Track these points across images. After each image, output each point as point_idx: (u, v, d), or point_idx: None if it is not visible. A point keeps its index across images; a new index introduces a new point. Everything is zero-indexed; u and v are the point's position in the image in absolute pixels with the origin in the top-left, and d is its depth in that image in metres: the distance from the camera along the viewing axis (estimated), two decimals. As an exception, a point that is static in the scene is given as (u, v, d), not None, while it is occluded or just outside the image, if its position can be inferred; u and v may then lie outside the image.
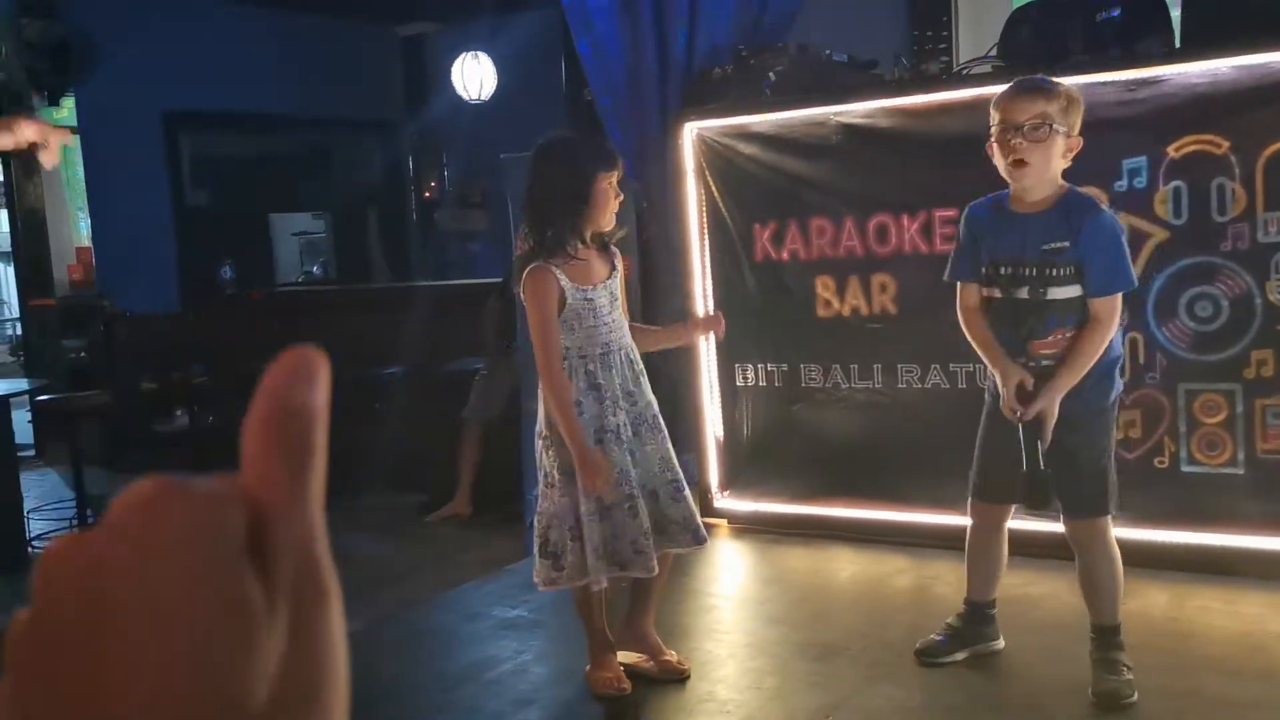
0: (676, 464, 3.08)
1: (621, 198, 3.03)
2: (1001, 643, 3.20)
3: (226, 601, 0.34)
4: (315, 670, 0.36)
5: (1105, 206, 2.87)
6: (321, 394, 0.37)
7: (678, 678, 3.13)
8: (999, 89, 3.93)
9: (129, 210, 8.02)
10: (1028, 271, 2.78)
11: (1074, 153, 2.78)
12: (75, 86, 8.02)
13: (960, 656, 3.14)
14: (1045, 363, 2.80)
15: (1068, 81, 3.78)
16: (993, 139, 2.80)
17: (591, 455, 2.90)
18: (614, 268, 3.05)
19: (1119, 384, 2.88)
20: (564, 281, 2.92)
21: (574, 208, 2.92)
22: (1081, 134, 3.63)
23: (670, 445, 3.08)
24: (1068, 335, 2.77)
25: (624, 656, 3.15)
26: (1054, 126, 2.71)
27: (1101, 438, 2.84)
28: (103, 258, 8.13)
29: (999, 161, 2.80)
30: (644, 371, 3.09)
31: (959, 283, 2.96)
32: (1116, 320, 2.76)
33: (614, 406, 2.96)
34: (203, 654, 0.34)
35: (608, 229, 3.03)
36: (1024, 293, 2.79)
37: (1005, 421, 2.84)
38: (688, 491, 3.08)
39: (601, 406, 2.95)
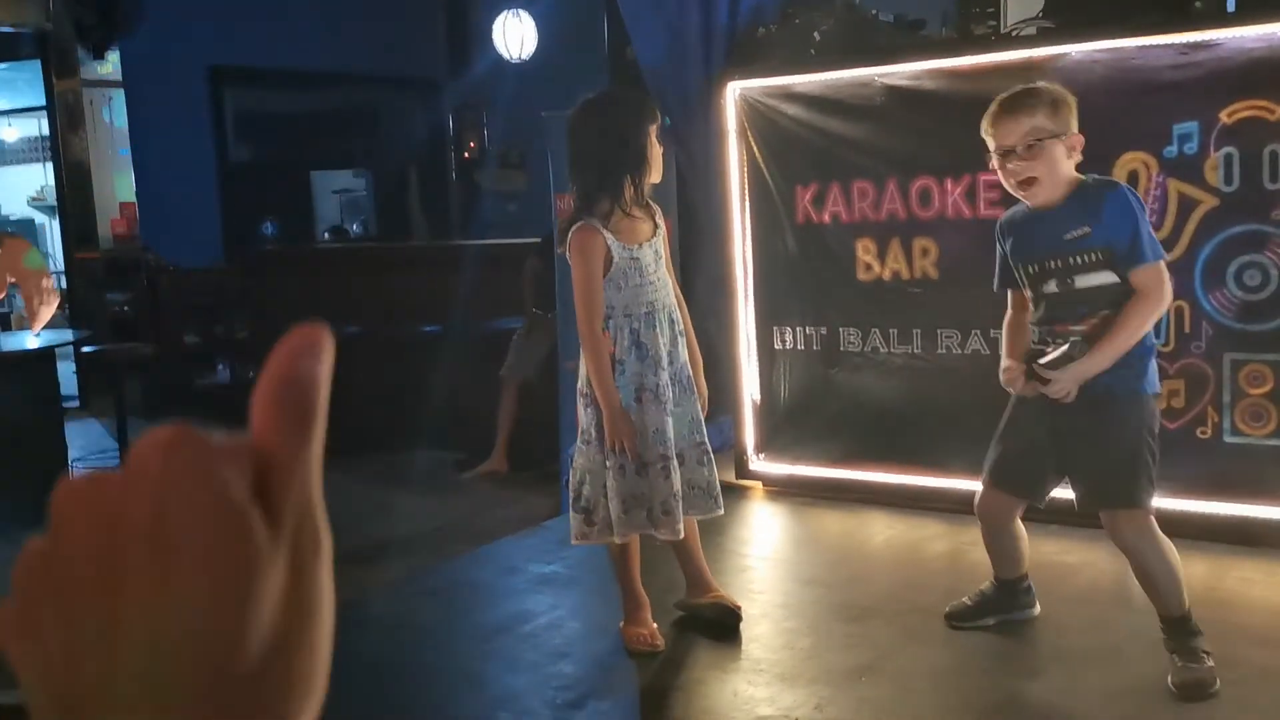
0: (704, 428, 3.08)
1: (661, 149, 3.03)
2: (1037, 609, 3.16)
3: (235, 537, 0.36)
4: (309, 616, 0.39)
5: (1118, 182, 2.80)
6: (325, 366, 0.40)
7: (729, 616, 3.17)
8: (1047, 51, 3.92)
9: (173, 165, 8.09)
10: (1053, 264, 2.74)
11: (1077, 150, 2.74)
12: (120, 40, 8.07)
13: (990, 622, 3.13)
14: (1072, 339, 2.70)
15: (1120, 45, 3.76)
16: (993, 165, 2.78)
17: (620, 415, 2.92)
18: (657, 225, 3.05)
19: (1153, 374, 2.76)
20: (610, 240, 2.92)
21: (628, 164, 2.92)
22: (1133, 96, 3.59)
23: (699, 408, 3.09)
24: (1098, 315, 2.68)
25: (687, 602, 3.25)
26: (1046, 138, 2.68)
27: (1135, 423, 2.72)
28: (146, 212, 8.21)
29: (1006, 184, 2.78)
30: (684, 333, 3.09)
31: (1008, 292, 2.96)
32: (1162, 294, 2.65)
33: (655, 366, 2.97)
34: (212, 586, 0.36)
35: (657, 180, 3.02)
36: (1053, 286, 2.76)
37: (1030, 412, 2.82)
38: (712, 456, 3.09)
39: (643, 365, 2.96)
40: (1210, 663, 2.71)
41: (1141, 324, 2.66)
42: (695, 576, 3.23)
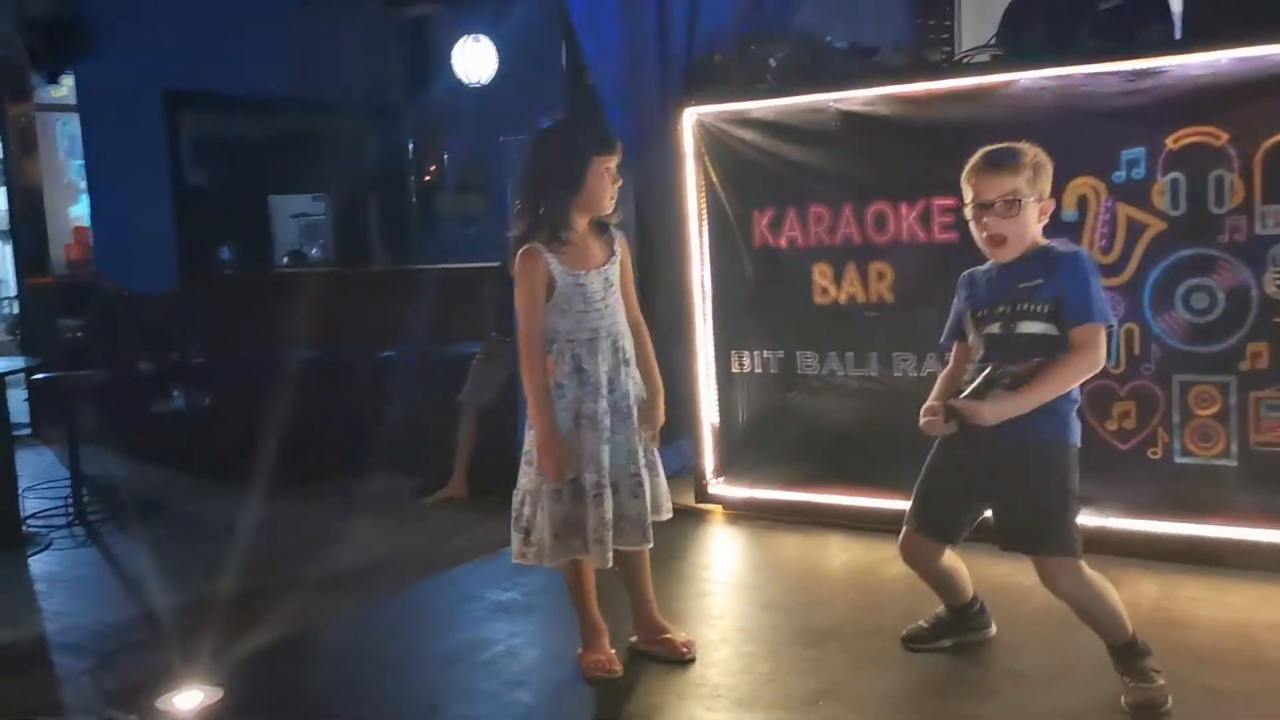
0: (641, 458, 3.03)
1: (619, 183, 3.01)
2: (993, 630, 3.21)
3: None
4: None
5: (1079, 249, 2.85)
6: None
7: (680, 659, 3.15)
8: (998, 77, 3.97)
9: (128, 189, 8.01)
10: (1002, 309, 2.81)
11: (1047, 214, 2.82)
12: (75, 65, 8.00)
13: (946, 644, 3.17)
14: (1004, 380, 2.75)
15: (1068, 72, 3.82)
16: (968, 215, 2.83)
17: (551, 438, 2.93)
18: (613, 253, 3.05)
19: (1078, 428, 2.81)
20: (554, 265, 2.93)
21: (568, 190, 2.92)
22: (1082, 123, 3.66)
23: (637, 437, 3.04)
24: (1031, 361, 2.73)
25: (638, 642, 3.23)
26: (1024, 200, 2.74)
27: (1061, 472, 2.77)
28: (101, 237, 8.12)
29: (977, 236, 2.83)
30: (630, 362, 3.07)
31: (954, 345, 3.03)
32: (1095, 356, 2.71)
33: (595, 393, 2.96)
34: None
35: (604, 214, 3.01)
36: (996, 328, 2.82)
37: (953, 459, 2.89)
38: (648, 486, 3.04)
39: (583, 391, 2.96)
40: (1160, 681, 2.75)
41: (1071, 378, 2.73)
42: (645, 619, 3.22)
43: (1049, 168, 2.82)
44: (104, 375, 6.73)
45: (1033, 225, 2.80)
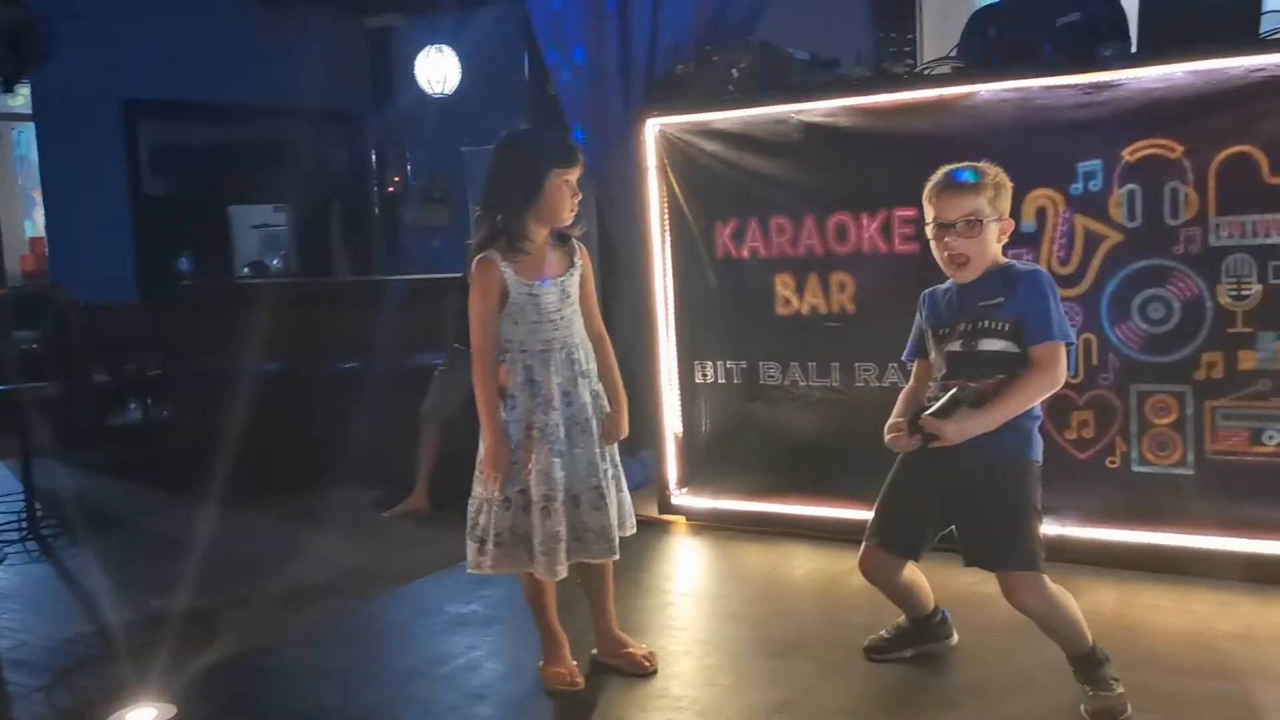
0: (603, 471, 3.01)
1: (579, 196, 2.99)
2: (955, 639, 3.22)
3: None
4: None
5: (1038, 268, 2.89)
6: None
7: (641, 672, 3.13)
8: (958, 89, 4.00)
9: (85, 199, 7.91)
10: (963, 327, 2.84)
11: (1008, 233, 2.84)
12: (32, 73, 7.90)
13: (908, 653, 3.18)
14: (959, 389, 2.79)
15: (1026, 84, 3.85)
16: (929, 234, 2.86)
17: (498, 447, 2.93)
18: (573, 265, 3.03)
19: (1039, 443, 2.84)
20: (508, 274, 2.92)
21: (526, 201, 2.91)
22: (1040, 135, 3.69)
23: (599, 450, 3.01)
24: (994, 378, 2.77)
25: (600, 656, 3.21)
26: (985, 220, 2.77)
27: (1025, 488, 2.80)
28: (57, 247, 8.02)
29: (938, 256, 2.85)
30: (589, 374, 3.04)
31: (915, 361, 3.06)
32: (1055, 373, 2.74)
33: (546, 405, 2.94)
34: None
35: (562, 226, 2.99)
36: (957, 345, 2.85)
37: (915, 475, 2.91)
38: (612, 499, 3.02)
39: (534, 403, 2.94)
40: (1120, 689, 2.77)
41: (1032, 396, 2.76)
42: (605, 632, 3.21)
43: (1009, 188, 2.85)
44: (59, 387, 6.64)
45: (994, 245, 2.82)
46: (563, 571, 2.97)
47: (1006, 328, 2.77)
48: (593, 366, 3.06)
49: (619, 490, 3.09)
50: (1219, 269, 3.62)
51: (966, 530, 2.87)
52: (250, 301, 6.54)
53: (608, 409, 3.08)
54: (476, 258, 2.95)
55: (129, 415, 7.42)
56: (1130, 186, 3.73)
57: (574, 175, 2.94)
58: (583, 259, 3.06)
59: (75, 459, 6.50)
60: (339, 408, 5.97)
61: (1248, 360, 3.62)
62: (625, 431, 3.10)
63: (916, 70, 4.47)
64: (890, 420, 2.95)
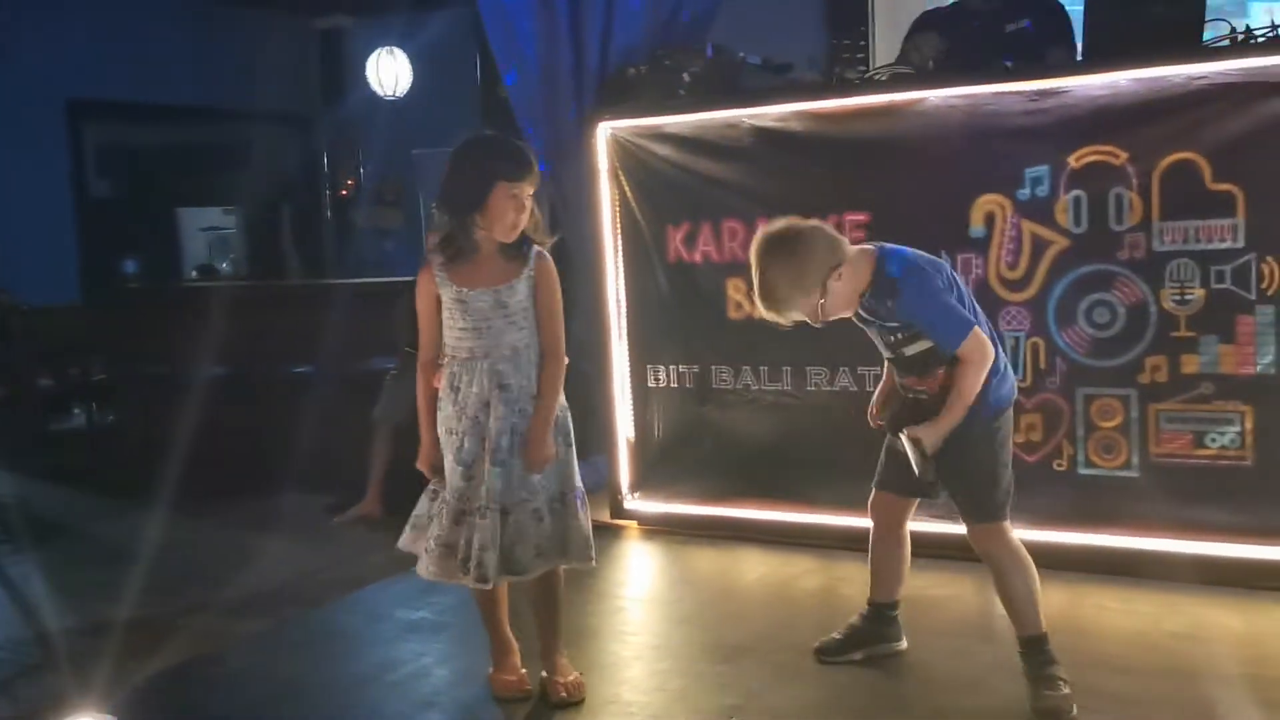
0: (541, 488, 2.91)
1: (525, 210, 2.87)
2: (904, 644, 3.23)
3: None
4: None
5: (898, 277, 2.84)
6: None
7: (558, 702, 2.99)
8: (908, 95, 4.04)
9: (27, 200, 7.77)
10: (885, 338, 2.94)
11: (843, 274, 2.81)
12: (-28, 71, 7.75)
13: (857, 656, 3.18)
14: (917, 394, 2.93)
15: (975, 91, 3.90)
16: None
17: (427, 450, 2.98)
18: (520, 275, 2.91)
19: (995, 399, 2.87)
20: (442, 279, 2.92)
21: (468, 209, 2.86)
22: (988, 140, 3.75)
23: (510, 470, 2.87)
24: (935, 374, 2.86)
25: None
26: (818, 300, 2.79)
27: (988, 450, 2.87)
28: (-1, 249, 7.87)
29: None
30: (513, 389, 2.89)
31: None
32: (983, 356, 2.78)
33: (460, 414, 2.91)
34: None
35: (504, 239, 2.89)
36: (889, 354, 2.98)
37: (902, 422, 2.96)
38: (548, 516, 2.92)
39: (453, 409, 2.93)
40: (1066, 690, 2.80)
41: (974, 382, 2.81)
42: (544, 648, 3.08)
43: (810, 256, 2.80)
44: (2, 392, 6.51)
45: (844, 289, 2.83)
46: (492, 582, 2.86)
47: (913, 331, 2.86)
48: (528, 383, 2.91)
49: (570, 516, 2.96)
50: (1163, 274, 3.67)
51: (948, 489, 2.95)
52: (199, 305, 6.46)
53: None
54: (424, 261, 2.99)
55: (73, 420, 7.30)
56: (1076, 192, 3.77)
57: (522, 189, 2.85)
58: (539, 269, 2.94)
59: (18, 465, 6.37)
60: (289, 412, 5.90)
61: (1190, 364, 3.67)
62: (538, 458, 2.89)
63: (867, 75, 4.49)
64: (872, 407, 3.11)
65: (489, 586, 2.88)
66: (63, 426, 7.25)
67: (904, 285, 2.81)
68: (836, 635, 3.23)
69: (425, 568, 2.97)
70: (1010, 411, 2.95)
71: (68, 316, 7.32)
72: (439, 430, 2.96)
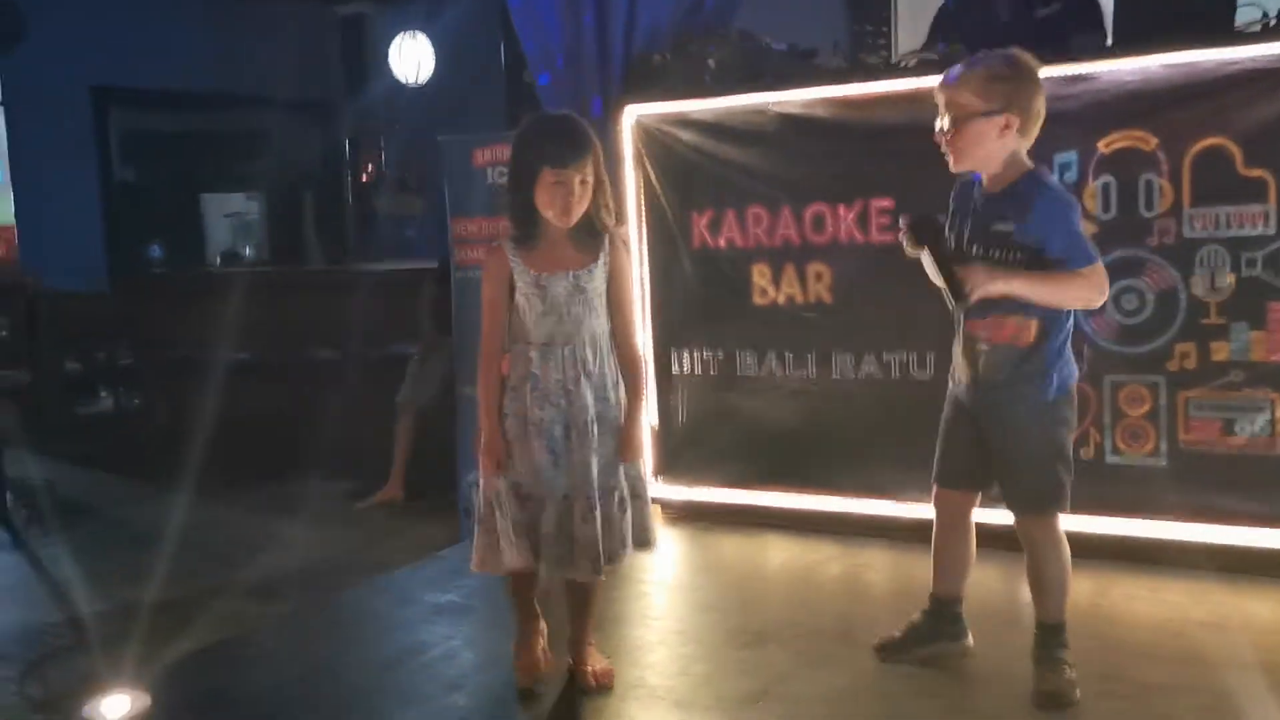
0: (602, 482, 2.87)
1: (577, 195, 2.79)
2: (969, 642, 3.10)
3: None
4: None
5: (1052, 186, 2.78)
6: None
7: (588, 689, 2.99)
8: (935, 81, 4.01)
9: (55, 186, 7.83)
10: (976, 250, 2.77)
11: (1011, 129, 2.71)
12: (1, 59, 7.80)
13: (922, 654, 3.07)
14: (980, 346, 2.80)
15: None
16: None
17: (490, 439, 2.88)
18: (597, 259, 2.87)
19: (1063, 379, 2.81)
20: (516, 264, 2.86)
21: (524, 194, 2.83)
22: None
23: (602, 459, 2.87)
24: (1004, 322, 2.75)
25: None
26: (965, 115, 2.69)
27: (1046, 434, 2.80)
28: (26, 235, 7.93)
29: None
30: (595, 376, 2.89)
31: None
32: (1101, 288, 2.69)
33: (543, 400, 2.86)
34: None
35: (561, 224, 2.83)
36: None
37: (965, 409, 2.87)
38: (599, 514, 2.86)
39: (531, 398, 2.86)
40: (1071, 675, 2.78)
41: (1065, 290, 2.68)
42: (575, 635, 3.08)
43: (1012, 80, 2.70)
44: (28, 376, 6.58)
45: (988, 143, 2.70)
46: (534, 567, 2.89)
47: (1019, 256, 2.69)
48: (607, 372, 2.91)
49: (622, 510, 2.92)
50: (1193, 260, 3.65)
51: (998, 477, 2.90)
52: (222, 290, 6.51)
53: (617, 418, 2.92)
54: (491, 245, 2.95)
55: (100, 404, 7.36)
56: (1105, 178, 3.74)
57: (567, 175, 2.77)
58: (614, 256, 2.90)
59: (46, 448, 6.44)
60: (312, 397, 5.95)
61: (1220, 351, 3.65)
62: (637, 449, 2.94)
63: (894, 62, 4.47)
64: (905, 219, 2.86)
65: (600, 578, 2.89)
66: (90, 410, 7.32)
67: (1053, 196, 2.70)
68: (896, 633, 3.13)
69: (511, 560, 2.89)
70: (1074, 398, 2.86)
71: (94, 302, 7.39)
72: (509, 420, 2.88)
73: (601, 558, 2.86)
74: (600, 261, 2.88)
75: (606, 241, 2.90)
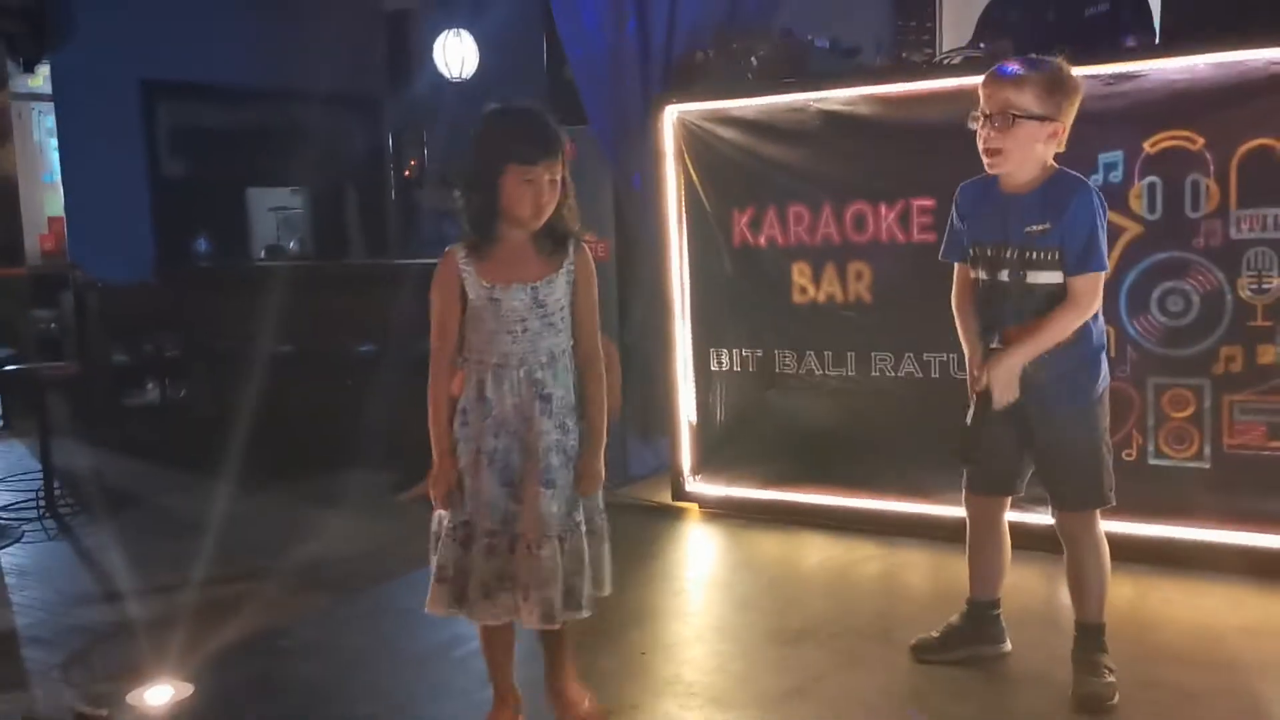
0: (552, 518, 2.54)
1: (546, 194, 2.50)
2: (1008, 646, 3.11)
3: None
4: None
5: (1090, 185, 2.79)
6: None
7: None
8: (978, 79, 3.97)
9: (103, 180, 7.94)
10: (1009, 254, 2.76)
11: (1057, 138, 2.72)
12: (51, 54, 7.92)
13: (959, 655, 3.07)
14: (999, 346, 2.79)
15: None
16: (974, 122, 2.78)
17: (440, 465, 2.58)
18: (559, 269, 2.58)
19: (1105, 375, 2.82)
20: (468, 273, 2.54)
21: (484, 196, 2.52)
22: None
23: (551, 493, 2.54)
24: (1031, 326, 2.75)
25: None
26: (1020, 115, 2.67)
27: (1090, 432, 2.80)
28: (75, 227, 8.05)
29: (979, 144, 2.79)
30: (554, 400, 2.56)
31: (954, 263, 2.96)
32: (1092, 304, 2.71)
33: (496, 427, 2.55)
34: None
35: (525, 227, 2.54)
36: (1005, 275, 2.78)
37: (1000, 413, 2.83)
38: (558, 554, 2.54)
39: (483, 424, 2.55)
40: (1111, 679, 2.78)
41: (1065, 328, 2.72)
42: (557, 690, 2.80)
43: (1066, 89, 2.71)
44: (77, 367, 6.68)
45: (1035, 146, 2.70)
46: (502, 617, 2.60)
47: (1054, 256, 2.70)
48: (566, 393, 2.60)
49: (585, 545, 2.60)
50: (1239, 262, 3.60)
51: (1042, 478, 2.90)
52: (267, 283, 6.57)
53: (578, 448, 2.60)
54: (446, 248, 2.60)
55: (146, 395, 7.46)
56: (1151, 178, 3.71)
57: (538, 173, 2.47)
58: (580, 264, 2.61)
59: (93, 438, 6.55)
60: (355, 390, 6.00)
61: (1267, 354, 3.60)
62: (595, 480, 2.62)
63: (936, 60, 4.44)
64: (970, 355, 2.88)
65: (557, 625, 2.57)
66: (136, 401, 7.41)
67: (1086, 194, 2.70)
68: (934, 634, 3.13)
69: (474, 612, 2.60)
70: (1108, 395, 2.87)
71: (142, 294, 7.48)
72: (460, 445, 2.57)
73: (558, 603, 2.54)
74: (563, 270, 2.58)
75: (570, 248, 2.60)
